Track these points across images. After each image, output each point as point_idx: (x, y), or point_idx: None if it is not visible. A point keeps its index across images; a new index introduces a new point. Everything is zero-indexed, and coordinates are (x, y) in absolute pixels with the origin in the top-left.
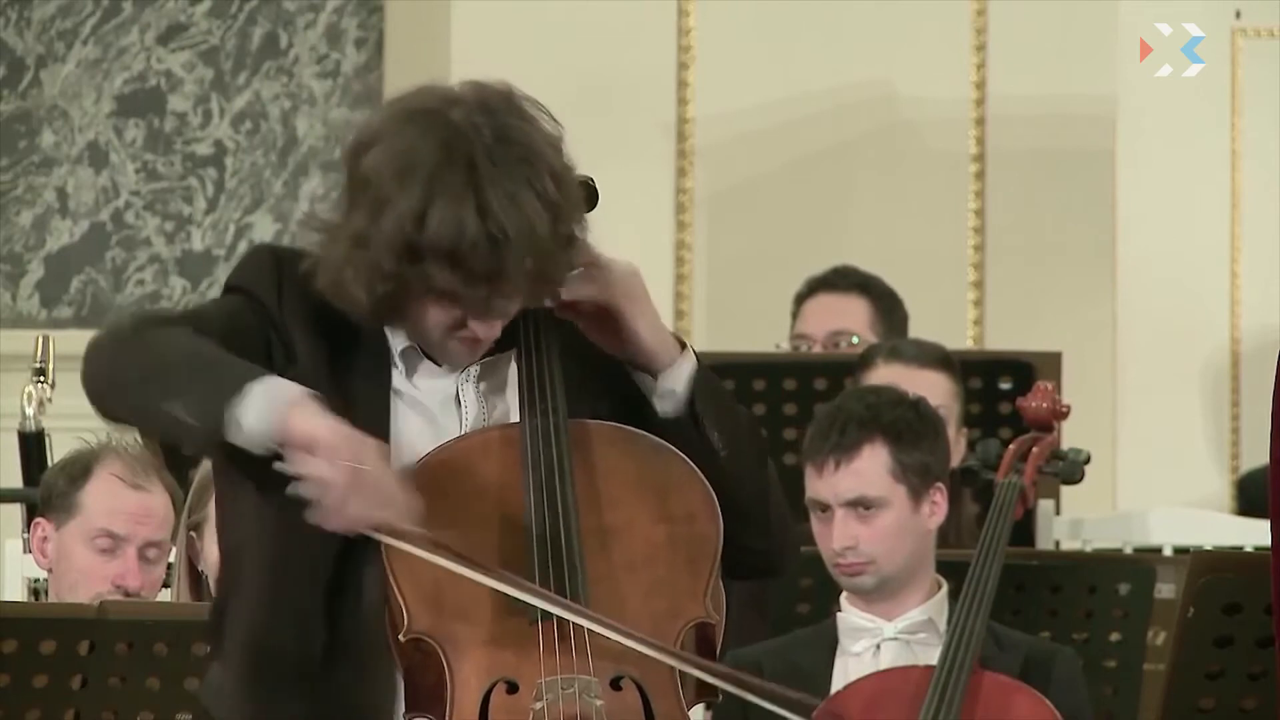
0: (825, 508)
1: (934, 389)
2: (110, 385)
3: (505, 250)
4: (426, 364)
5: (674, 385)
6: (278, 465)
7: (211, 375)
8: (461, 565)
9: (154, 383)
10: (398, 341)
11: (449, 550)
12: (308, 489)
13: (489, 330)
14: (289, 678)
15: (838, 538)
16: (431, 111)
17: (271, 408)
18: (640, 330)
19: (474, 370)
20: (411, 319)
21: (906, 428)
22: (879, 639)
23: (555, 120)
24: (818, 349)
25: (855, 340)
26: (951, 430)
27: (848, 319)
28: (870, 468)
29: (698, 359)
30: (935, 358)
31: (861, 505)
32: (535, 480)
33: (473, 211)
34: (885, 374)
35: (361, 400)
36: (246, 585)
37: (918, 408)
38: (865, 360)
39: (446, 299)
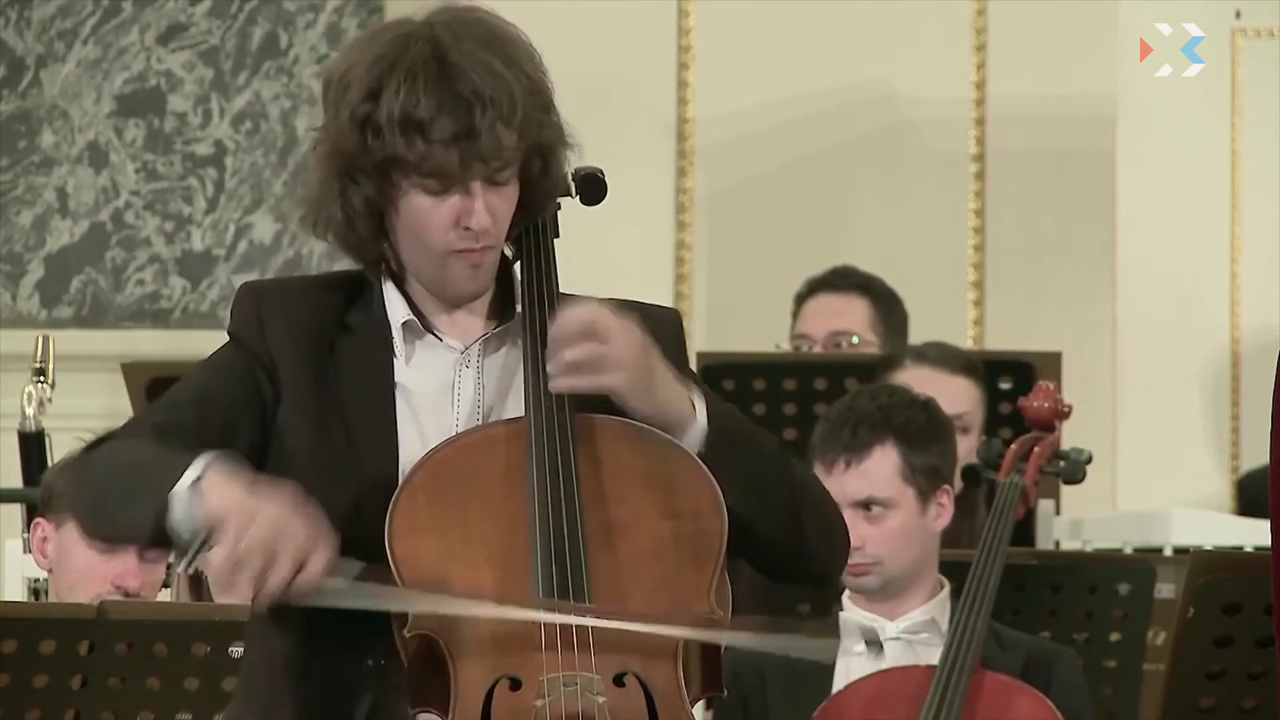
0: None
1: (961, 395)
2: (77, 515)
3: (475, 107)
4: (427, 340)
5: None
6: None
7: (143, 491)
8: (397, 601)
9: (105, 505)
10: (398, 314)
11: (387, 588)
12: (220, 571)
13: (482, 219)
14: (354, 690)
15: None
16: (393, 23)
17: (190, 503)
18: (642, 409)
19: (475, 351)
20: (404, 230)
21: (918, 430)
22: (881, 638)
23: (524, 34)
24: (818, 349)
25: (855, 340)
26: (974, 437)
27: (848, 319)
28: (880, 469)
29: (711, 416)
30: (963, 364)
31: (870, 506)
32: (540, 475)
33: (435, 76)
34: (913, 377)
35: (363, 406)
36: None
37: (928, 409)
38: (892, 361)
39: (422, 175)
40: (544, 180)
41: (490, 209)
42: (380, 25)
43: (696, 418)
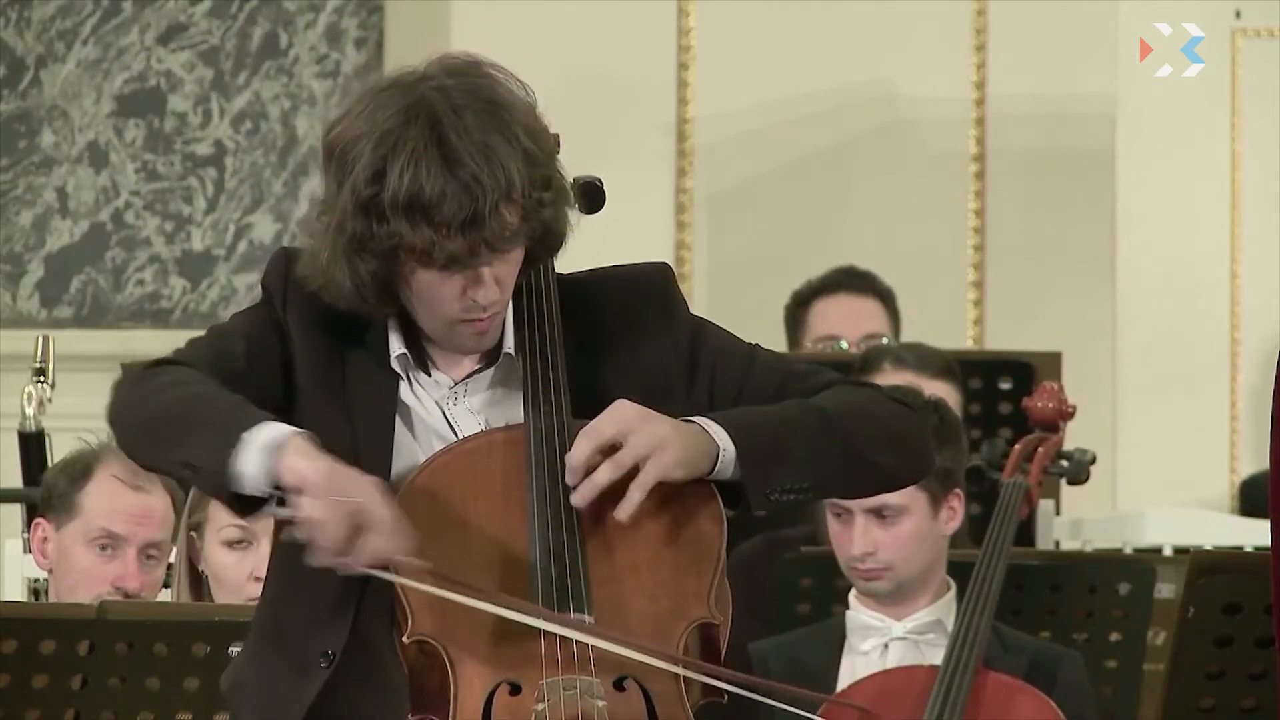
0: (845, 511)
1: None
2: (126, 439)
3: (479, 195)
4: (418, 374)
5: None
6: (273, 510)
7: (209, 426)
8: (465, 596)
9: (159, 434)
10: (394, 346)
11: (452, 582)
12: (301, 531)
13: (490, 293)
14: (304, 677)
15: (857, 543)
16: (396, 84)
17: (264, 454)
18: (680, 475)
19: (462, 389)
20: (414, 299)
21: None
22: (887, 638)
23: (524, 85)
24: (853, 351)
25: (886, 342)
26: None
27: (876, 321)
28: None
29: (731, 433)
30: (942, 367)
31: (883, 511)
32: (539, 482)
33: (437, 161)
34: (891, 380)
35: (363, 415)
36: (270, 590)
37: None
38: (870, 364)
39: (429, 260)
40: (546, 238)
41: (497, 279)
42: (381, 87)
43: (721, 445)
